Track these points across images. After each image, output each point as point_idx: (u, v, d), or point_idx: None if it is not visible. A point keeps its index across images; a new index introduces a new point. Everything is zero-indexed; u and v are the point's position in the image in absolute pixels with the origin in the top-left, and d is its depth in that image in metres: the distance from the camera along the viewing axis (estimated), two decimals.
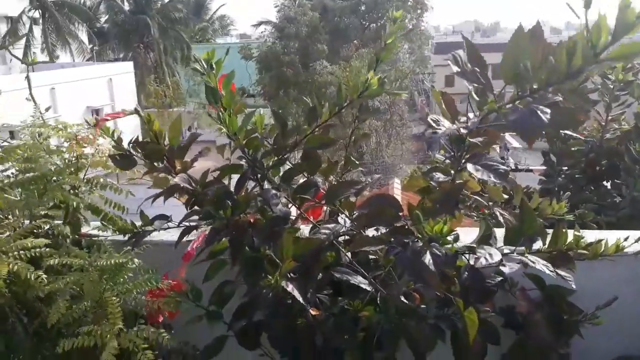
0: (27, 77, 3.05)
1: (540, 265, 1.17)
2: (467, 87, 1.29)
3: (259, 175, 1.37)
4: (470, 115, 1.22)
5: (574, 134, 2.81)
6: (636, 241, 1.48)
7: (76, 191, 1.58)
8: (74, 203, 1.49)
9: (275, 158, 1.36)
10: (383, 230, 1.28)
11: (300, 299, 1.20)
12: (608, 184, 2.75)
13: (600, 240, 1.20)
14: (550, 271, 1.18)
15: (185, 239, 1.55)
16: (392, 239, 1.28)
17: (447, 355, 1.49)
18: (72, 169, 1.52)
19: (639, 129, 2.63)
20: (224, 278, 1.58)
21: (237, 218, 1.24)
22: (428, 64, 23.21)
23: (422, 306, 1.47)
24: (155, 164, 1.31)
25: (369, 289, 1.36)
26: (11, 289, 1.30)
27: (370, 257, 1.53)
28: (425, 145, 1.25)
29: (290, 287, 1.20)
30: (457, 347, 1.49)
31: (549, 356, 1.60)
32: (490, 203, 1.37)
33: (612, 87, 2.64)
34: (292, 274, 1.28)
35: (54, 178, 1.48)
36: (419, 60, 21.75)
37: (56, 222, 1.47)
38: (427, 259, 1.05)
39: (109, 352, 1.20)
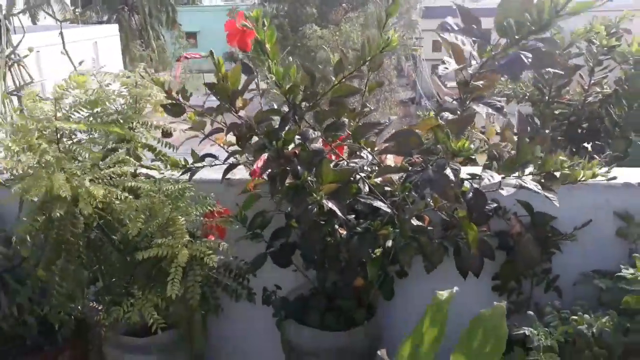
0: (61, 33, 3.24)
1: (532, 184, 1.47)
2: (464, 41, 1.55)
3: (297, 117, 1.63)
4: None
5: (558, 99, 2.97)
6: (607, 172, 1.79)
7: (135, 131, 1.83)
8: (136, 139, 1.74)
9: (309, 104, 1.63)
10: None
11: (339, 213, 1.48)
12: (589, 146, 2.86)
13: (580, 167, 1.49)
14: (539, 190, 1.47)
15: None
16: (410, 168, 1.56)
17: (451, 268, 1.80)
18: (133, 112, 1.76)
19: (619, 93, 2.80)
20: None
21: (286, 149, 1.51)
22: (416, 29, 23.23)
23: (430, 228, 1.77)
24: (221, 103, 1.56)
25: (387, 210, 1.65)
26: (96, 209, 1.56)
27: (386, 188, 1.82)
28: (438, 79, 1.52)
29: (330, 204, 1.48)
30: (459, 261, 1.80)
31: (534, 270, 1.93)
32: (489, 139, 1.65)
33: (596, 51, 2.80)
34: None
35: (119, 117, 1.72)
36: (407, 25, 21.77)
37: (123, 156, 1.72)
38: (448, 171, 1.33)
39: (183, 256, 1.49)
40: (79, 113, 1.69)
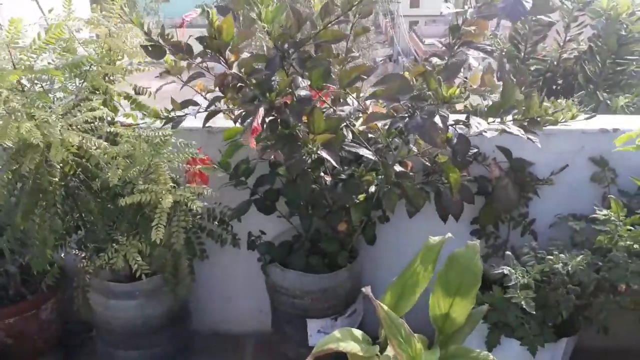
0: None
1: (515, 129, 1.49)
2: None
3: (284, 64, 1.61)
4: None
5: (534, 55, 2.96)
6: (586, 119, 1.82)
7: (111, 79, 1.77)
8: (111, 90, 1.69)
9: (296, 50, 1.59)
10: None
11: (334, 163, 1.48)
12: (563, 102, 2.94)
13: (560, 110, 1.51)
14: (522, 134, 1.49)
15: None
16: (396, 113, 1.57)
17: (430, 213, 1.83)
18: (107, 60, 1.70)
19: (594, 49, 2.81)
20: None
21: (277, 100, 1.49)
22: None
23: (411, 173, 1.80)
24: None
25: (372, 157, 1.66)
26: (74, 157, 1.53)
27: (370, 135, 1.82)
28: (415, 36, 1.51)
29: (325, 154, 1.48)
30: (440, 205, 1.83)
31: (511, 214, 1.99)
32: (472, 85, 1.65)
33: (571, 7, 2.80)
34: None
35: (91, 66, 1.66)
36: None
37: (96, 105, 1.67)
38: (437, 118, 1.33)
39: (167, 201, 1.48)
40: (46, 59, 1.63)
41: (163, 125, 1.73)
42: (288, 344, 1.95)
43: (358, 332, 1.43)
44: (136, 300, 1.81)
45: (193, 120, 1.95)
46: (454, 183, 1.67)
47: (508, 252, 1.69)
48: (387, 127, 1.60)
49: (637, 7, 2.72)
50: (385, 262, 2.20)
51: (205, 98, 1.88)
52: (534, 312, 1.51)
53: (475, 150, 1.91)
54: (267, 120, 1.58)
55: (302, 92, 1.58)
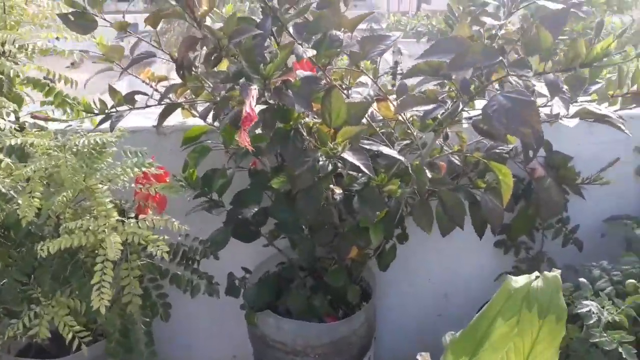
0: None
1: (605, 110, 1.08)
2: None
3: (275, 29, 1.11)
4: None
5: None
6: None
7: (10, 58, 1.21)
8: (10, 71, 1.13)
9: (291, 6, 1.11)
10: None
11: (365, 169, 1.02)
12: None
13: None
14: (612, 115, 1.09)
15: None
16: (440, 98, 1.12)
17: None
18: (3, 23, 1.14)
19: (525, 29, 2.61)
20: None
21: (273, 79, 0.99)
22: None
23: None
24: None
25: (398, 158, 1.20)
26: None
27: (381, 131, 1.37)
28: None
29: (351, 158, 1.01)
30: (476, 216, 1.42)
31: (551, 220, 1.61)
32: None
33: None
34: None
35: None
36: None
37: None
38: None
39: (114, 245, 0.96)
40: None
41: (98, 125, 1.20)
42: None
43: None
44: None
45: (134, 119, 1.43)
46: (505, 187, 1.25)
47: (583, 280, 1.29)
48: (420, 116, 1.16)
49: None
50: (396, 290, 1.76)
51: (154, 88, 1.36)
52: None
53: (512, 145, 1.50)
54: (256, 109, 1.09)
55: (302, 72, 1.10)
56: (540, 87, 0.99)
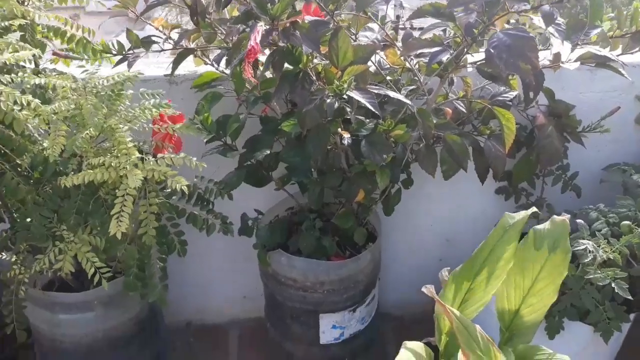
0: None
1: (606, 52, 1.11)
2: None
3: None
4: None
5: None
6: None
7: (28, 5, 1.24)
8: (36, 16, 1.16)
9: None
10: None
11: (371, 107, 1.05)
12: None
13: None
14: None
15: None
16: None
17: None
18: None
19: None
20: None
21: (281, 19, 1.02)
22: None
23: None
24: None
25: (407, 102, 1.24)
26: None
27: (387, 78, 1.41)
28: None
29: (357, 96, 1.05)
30: (479, 162, 1.47)
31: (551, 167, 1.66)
32: None
33: None
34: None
35: None
36: None
37: (14, 40, 1.14)
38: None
39: (135, 179, 1.01)
40: None
41: (116, 65, 1.24)
42: (293, 342, 1.56)
43: (420, 349, 1.06)
44: (94, 312, 1.34)
45: (146, 69, 1.47)
46: (508, 132, 1.29)
47: (580, 221, 1.35)
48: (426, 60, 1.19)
49: None
50: (400, 236, 1.83)
51: (168, 35, 1.38)
52: (630, 297, 1.19)
53: (515, 93, 1.54)
54: (266, 53, 1.12)
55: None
56: (538, 20, 1.03)
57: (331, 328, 1.49)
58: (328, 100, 1.04)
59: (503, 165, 1.46)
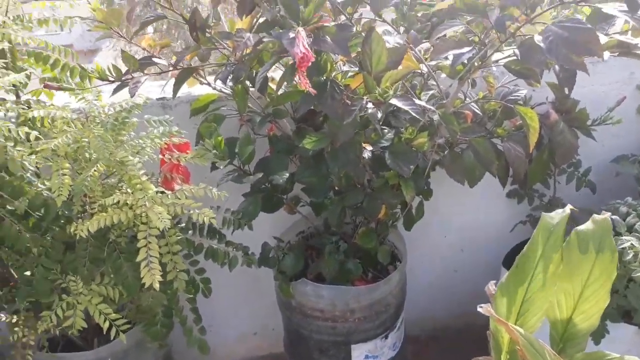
0: None
1: None
2: None
3: None
4: None
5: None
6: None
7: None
8: (19, 38, 1.03)
9: None
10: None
11: (414, 114, 0.98)
12: None
13: None
14: None
15: None
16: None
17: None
18: None
19: None
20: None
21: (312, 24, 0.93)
22: None
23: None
24: None
25: (431, 108, 1.17)
26: None
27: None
28: None
29: (400, 103, 0.96)
30: (500, 164, 1.41)
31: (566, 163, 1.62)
32: None
33: None
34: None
35: None
36: None
37: None
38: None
39: (158, 216, 0.89)
40: None
41: (114, 93, 1.11)
42: None
43: None
44: None
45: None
46: (532, 131, 1.24)
47: (616, 217, 1.30)
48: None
49: None
50: (417, 251, 1.74)
51: (159, 57, 1.27)
52: None
53: (524, 91, 1.50)
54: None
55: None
56: None
57: (364, 358, 1.38)
58: (370, 111, 0.95)
59: (525, 166, 1.41)
